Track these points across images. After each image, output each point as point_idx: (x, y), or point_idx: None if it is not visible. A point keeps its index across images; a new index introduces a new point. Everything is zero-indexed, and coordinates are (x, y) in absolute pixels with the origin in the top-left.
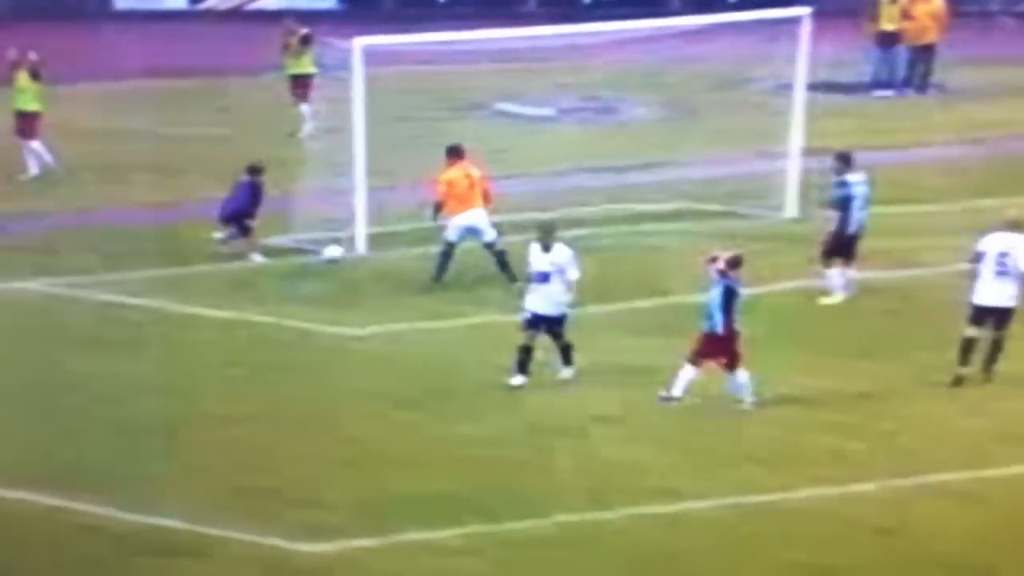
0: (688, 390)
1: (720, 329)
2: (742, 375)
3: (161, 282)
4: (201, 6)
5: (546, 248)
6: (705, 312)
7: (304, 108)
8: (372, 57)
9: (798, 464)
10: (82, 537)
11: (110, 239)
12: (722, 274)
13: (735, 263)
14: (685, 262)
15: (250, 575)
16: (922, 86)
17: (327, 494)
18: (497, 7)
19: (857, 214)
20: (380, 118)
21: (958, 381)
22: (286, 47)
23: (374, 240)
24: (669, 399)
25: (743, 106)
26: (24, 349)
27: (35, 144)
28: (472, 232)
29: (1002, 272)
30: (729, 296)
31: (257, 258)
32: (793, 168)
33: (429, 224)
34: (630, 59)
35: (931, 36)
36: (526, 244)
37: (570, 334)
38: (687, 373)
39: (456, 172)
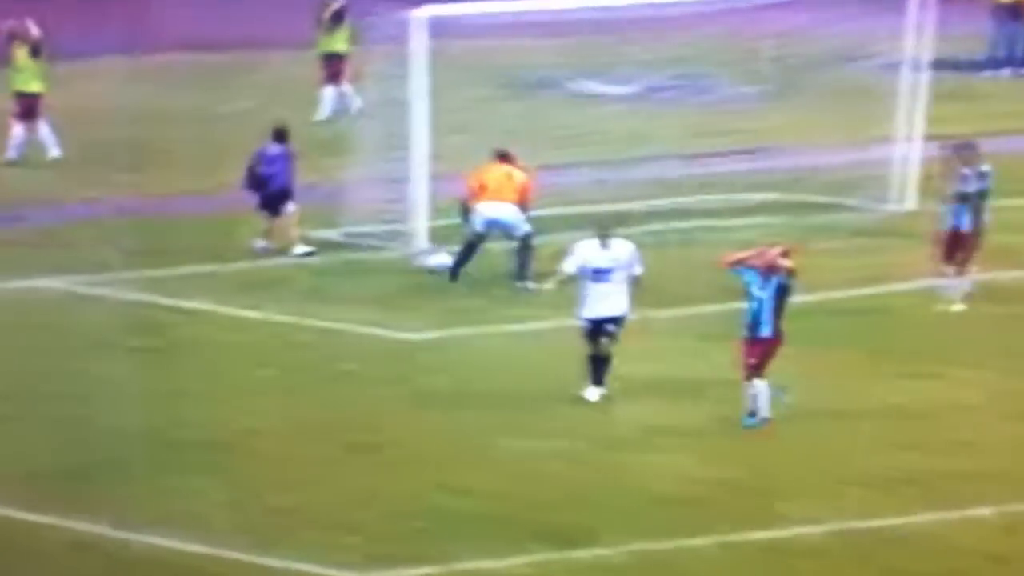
0: (768, 404)
1: (769, 332)
2: (762, 384)
3: (192, 280)
4: None
5: (604, 243)
6: (751, 315)
7: (327, 90)
8: (431, 29)
9: (901, 486)
10: (72, 555)
11: (135, 232)
12: (774, 270)
13: (786, 256)
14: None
15: None
16: None
17: (377, 516)
18: None
19: (977, 209)
20: (436, 98)
21: None
22: (319, 22)
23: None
24: (755, 420)
25: (848, 86)
26: (36, 353)
27: (43, 127)
28: (499, 226)
29: None
30: (783, 295)
31: (300, 249)
32: (910, 156)
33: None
34: (722, 31)
35: None
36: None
37: (639, 341)
38: (755, 388)
39: (494, 169)
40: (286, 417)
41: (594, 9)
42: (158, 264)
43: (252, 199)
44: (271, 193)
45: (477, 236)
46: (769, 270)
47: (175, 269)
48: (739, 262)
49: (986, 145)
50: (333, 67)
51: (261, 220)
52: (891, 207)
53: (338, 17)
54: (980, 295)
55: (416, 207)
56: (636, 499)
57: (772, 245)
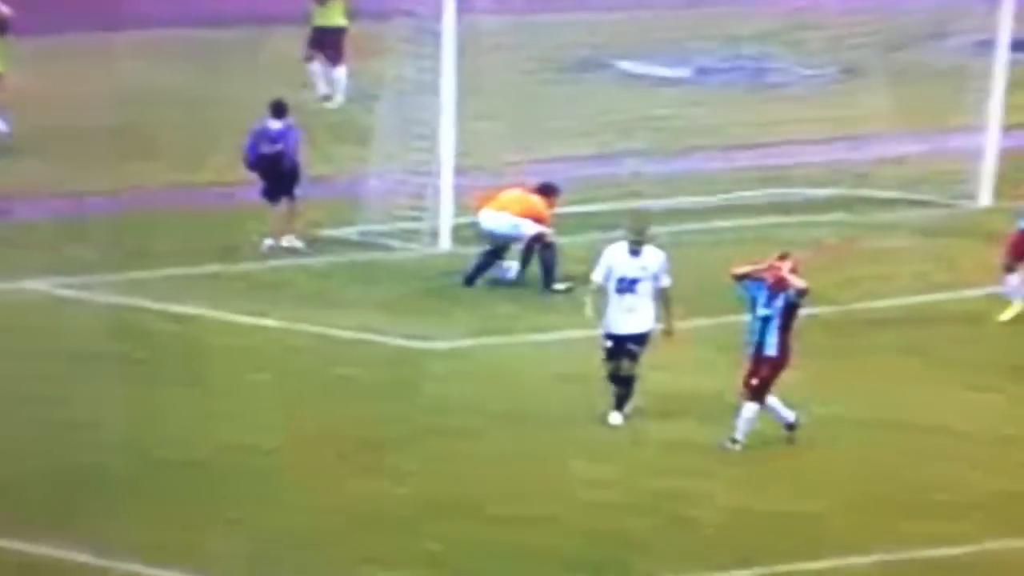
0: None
1: (775, 352)
2: (752, 409)
3: (187, 282)
4: None
5: (635, 250)
6: (757, 332)
7: (316, 67)
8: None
9: (959, 510)
10: None
11: (119, 230)
12: (783, 286)
13: (795, 272)
14: (843, 260)
15: None
16: None
17: (405, 547)
18: None
19: None
20: (467, 81)
21: None
22: None
23: (456, 233)
24: (734, 443)
25: (927, 70)
26: (17, 361)
27: None
28: (498, 237)
29: None
30: (791, 313)
31: (295, 242)
32: (986, 147)
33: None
34: (787, 8)
35: None
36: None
37: (682, 353)
38: (748, 412)
39: (516, 190)
40: (283, 428)
41: None
42: (145, 265)
43: (255, 189)
44: (282, 173)
45: (496, 244)
46: (778, 286)
47: (166, 271)
48: (747, 276)
49: None
50: (330, 43)
51: (269, 213)
52: (964, 203)
53: None
54: None
55: (440, 204)
56: (667, 526)
57: (783, 257)
